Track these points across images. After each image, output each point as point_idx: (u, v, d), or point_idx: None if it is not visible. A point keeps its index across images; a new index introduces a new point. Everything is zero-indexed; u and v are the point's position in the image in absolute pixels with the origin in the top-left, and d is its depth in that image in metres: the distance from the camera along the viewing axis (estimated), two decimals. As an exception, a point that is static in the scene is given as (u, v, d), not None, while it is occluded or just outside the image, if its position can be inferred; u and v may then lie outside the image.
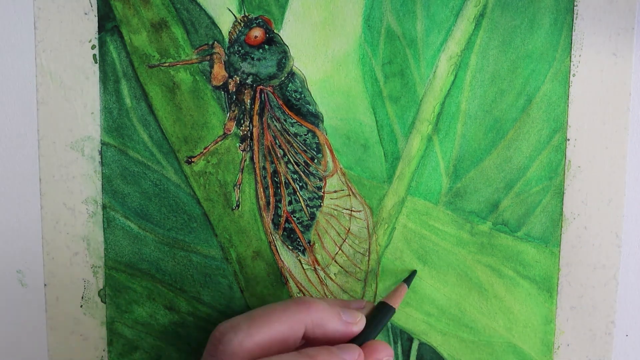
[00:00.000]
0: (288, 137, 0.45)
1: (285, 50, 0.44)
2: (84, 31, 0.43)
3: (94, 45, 0.43)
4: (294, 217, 0.45)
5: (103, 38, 0.43)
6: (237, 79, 0.44)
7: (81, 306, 0.46)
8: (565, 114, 0.45)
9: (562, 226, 0.46)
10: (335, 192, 0.46)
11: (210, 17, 0.44)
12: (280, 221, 0.45)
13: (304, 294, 0.46)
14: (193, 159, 0.45)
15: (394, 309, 0.43)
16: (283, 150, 0.45)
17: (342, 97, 0.45)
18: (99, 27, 0.43)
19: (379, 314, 0.43)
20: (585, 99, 0.45)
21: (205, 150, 0.45)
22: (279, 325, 0.38)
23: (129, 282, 0.45)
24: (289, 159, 0.45)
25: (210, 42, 0.44)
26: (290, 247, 0.46)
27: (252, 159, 0.45)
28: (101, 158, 0.45)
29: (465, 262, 0.46)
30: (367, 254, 0.46)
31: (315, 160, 0.45)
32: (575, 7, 0.44)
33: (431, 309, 0.46)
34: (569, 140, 0.45)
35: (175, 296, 0.45)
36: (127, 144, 0.45)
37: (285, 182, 0.45)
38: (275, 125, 0.45)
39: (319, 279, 0.46)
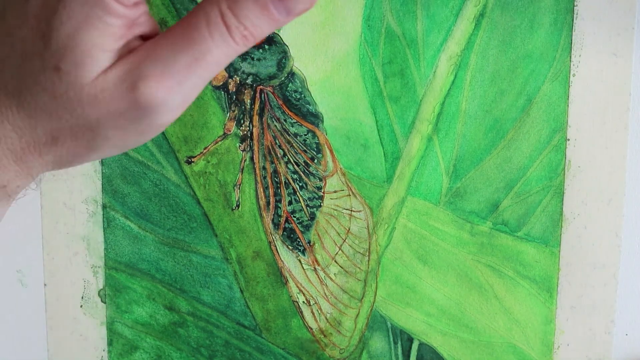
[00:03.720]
0: (288, 137, 0.45)
1: (285, 50, 0.44)
2: (84, 31, 0.43)
3: (93, 45, 0.43)
4: (294, 217, 0.45)
5: (103, 38, 0.43)
6: (237, 79, 0.44)
7: (81, 306, 0.45)
8: (565, 114, 0.45)
9: (562, 226, 0.46)
10: (335, 192, 0.45)
11: (210, 17, 0.44)
12: (280, 221, 0.45)
13: (304, 294, 0.46)
14: (193, 159, 0.45)
15: None
16: (283, 150, 0.45)
17: (342, 97, 0.44)
18: (98, 27, 0.43)
19: None
20: (585, 99, 0.45)
21: (205, 151, 0.45)
22: None
23: (128, 282, 0.45)
24: (289, 159, 0.45)
25: (210, 42, 0.44)
26: (290, 247, 0.46)
27: (252, 159, 0.45)
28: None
29: (465, 262, 0.46)
30: (367, 254, 0.46)
31: (315, 160, 0.45)
32: (575, 7, 0.44)
33: (431, 309, 0.46)
34: (569, 140, 0.45)
35: (175, 296, 0.45)
36: (127, 144, 0.44)
37: (285, 182, 0.45)
38: (275, 125, 0.45)
39: (319, 279, 0.46)
